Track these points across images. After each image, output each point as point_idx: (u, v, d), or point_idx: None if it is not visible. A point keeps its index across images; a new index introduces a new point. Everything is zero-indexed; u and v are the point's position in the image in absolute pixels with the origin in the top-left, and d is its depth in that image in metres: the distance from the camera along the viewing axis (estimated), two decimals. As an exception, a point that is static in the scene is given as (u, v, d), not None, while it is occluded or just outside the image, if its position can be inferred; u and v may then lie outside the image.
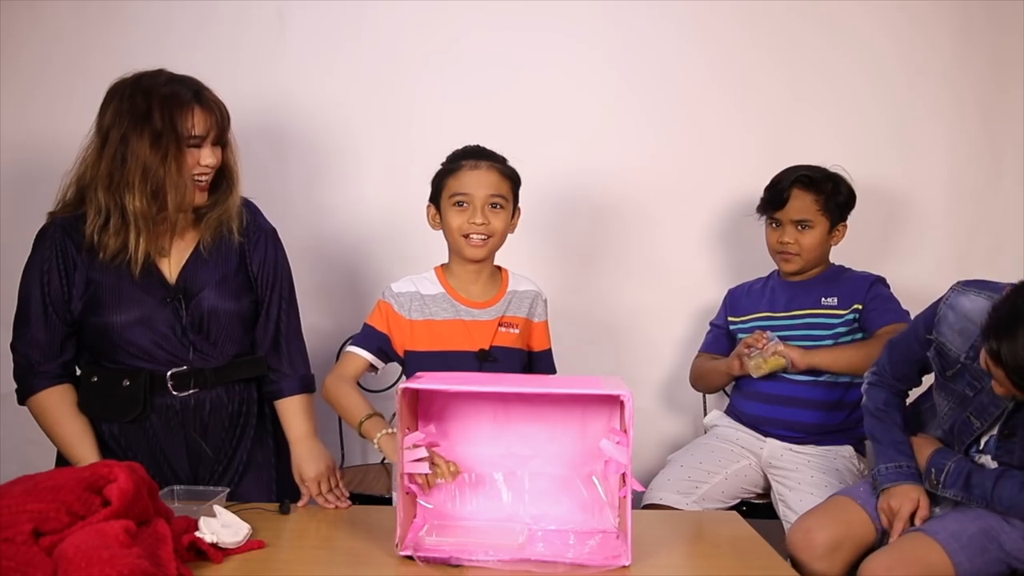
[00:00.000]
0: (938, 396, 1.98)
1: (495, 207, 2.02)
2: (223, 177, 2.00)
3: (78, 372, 2.02)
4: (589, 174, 2.94)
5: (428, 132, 2.77)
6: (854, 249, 2.64)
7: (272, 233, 2.11)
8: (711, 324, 2.74)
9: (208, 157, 1.92)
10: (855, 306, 2.49)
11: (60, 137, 2.71)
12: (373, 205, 2.90)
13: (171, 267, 1.98)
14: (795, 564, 1.97)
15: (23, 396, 1.99)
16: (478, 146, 2.09)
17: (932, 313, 1.96)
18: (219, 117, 1.94)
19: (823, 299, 2.52)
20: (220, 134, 1.95)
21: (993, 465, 1.88)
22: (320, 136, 2.91)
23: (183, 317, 1.96)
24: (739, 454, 2.49)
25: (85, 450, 1.93)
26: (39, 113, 2.82)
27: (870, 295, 2.49)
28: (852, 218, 2.56)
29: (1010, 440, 1.84)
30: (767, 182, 2.57)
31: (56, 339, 1.96)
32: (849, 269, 2.60)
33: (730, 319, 2.66)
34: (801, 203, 2.48)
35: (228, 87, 2.05)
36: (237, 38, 2.86)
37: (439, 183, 2.07)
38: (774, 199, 2.51)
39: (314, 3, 2.88)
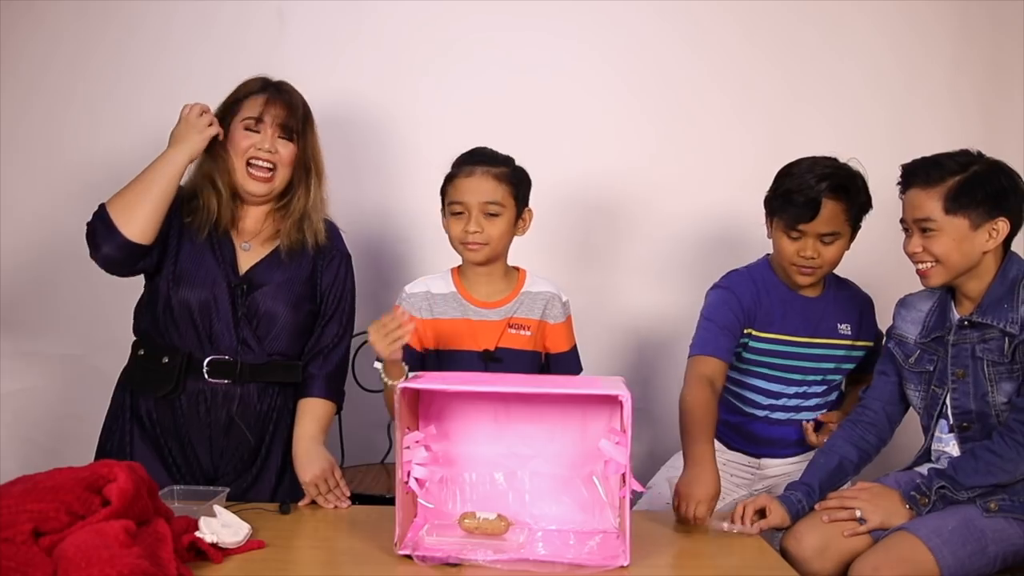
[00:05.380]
0: (908, 390, 2.08)
1: (490, 215, 2.02)
2: (303, 174, 2.08)
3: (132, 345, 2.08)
4: (589, 175, 2.93)
5: (429, 133, 2.77)
6: (854, 253, 2.62)
7: (347, 258, 2.16)
8: (715, 320, 2.22)
9: (264, 142, 2.01)
10: (866, 343, 2.28)
11: (61, 137, 2.73)
12: (374, 206, 2.89)
13: (246, 260, 2.06)
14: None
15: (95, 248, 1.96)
16: (478, 149, 2.09)
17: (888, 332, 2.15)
18: (285, 107, 2.04)
19: (839, 326, 2.26)
20: (283, 124, 2.03)
21: (950, 435, 1.99)
22: (321, 136, 2.91)
23: (240, 307, 2.01)
24: (728, 490, 2.24)
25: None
26: (40, 113, 2.81)
27: (878, 345, 2.25)
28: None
29: (963, 380, 1.95)
30: (769, 182, 2.25)
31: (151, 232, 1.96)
32: (845, 280, 2.34)
33: (754, 332, 2.23)
34: (831, 213, 2.11)
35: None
36: (237, 38, 2.85)
37: (443, 190, 2.09)
38: (806, 209, 2.10)
39: (314, 3, 2.87)
